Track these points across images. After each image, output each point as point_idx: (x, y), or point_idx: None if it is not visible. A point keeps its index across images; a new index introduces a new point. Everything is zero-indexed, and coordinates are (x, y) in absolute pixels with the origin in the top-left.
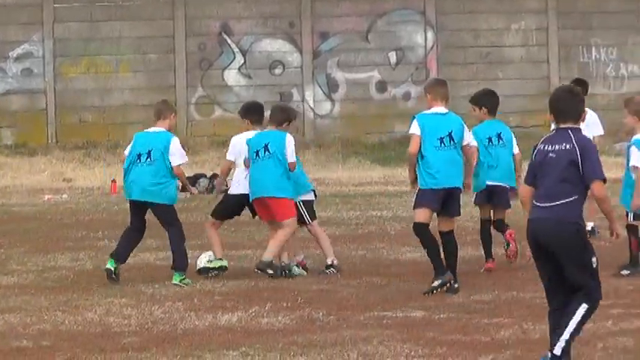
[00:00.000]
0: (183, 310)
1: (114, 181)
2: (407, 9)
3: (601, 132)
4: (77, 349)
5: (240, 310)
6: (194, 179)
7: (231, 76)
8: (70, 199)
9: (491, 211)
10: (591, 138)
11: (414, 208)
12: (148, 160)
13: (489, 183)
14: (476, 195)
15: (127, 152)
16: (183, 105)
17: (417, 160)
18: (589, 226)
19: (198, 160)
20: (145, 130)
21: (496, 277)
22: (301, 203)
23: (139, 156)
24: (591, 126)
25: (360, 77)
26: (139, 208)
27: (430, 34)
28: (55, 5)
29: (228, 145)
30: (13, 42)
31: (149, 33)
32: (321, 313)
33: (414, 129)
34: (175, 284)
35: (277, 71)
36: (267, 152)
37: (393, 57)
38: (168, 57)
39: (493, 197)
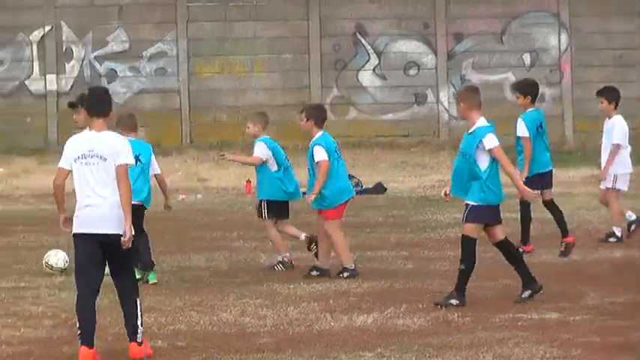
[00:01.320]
0: (319, 311)
1: (248, 181)
2: (540, 11)
3: None
4: (212, 349)
5: (375, 311)
6: None
7: (366, 77)
8: (205, 199)
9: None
10: None
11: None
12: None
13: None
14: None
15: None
16: None
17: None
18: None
19: None
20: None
21: (630, 279)
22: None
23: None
24: None
25: (495, 79)
26: None
27: (564, 36)
28: (188, 4)
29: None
30: (146, 41)
31: (284, 33)
32: (456, 315)
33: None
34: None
35: (412, 72)
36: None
37: (527, 59)
38: (303, 57)
39: (542, 181)
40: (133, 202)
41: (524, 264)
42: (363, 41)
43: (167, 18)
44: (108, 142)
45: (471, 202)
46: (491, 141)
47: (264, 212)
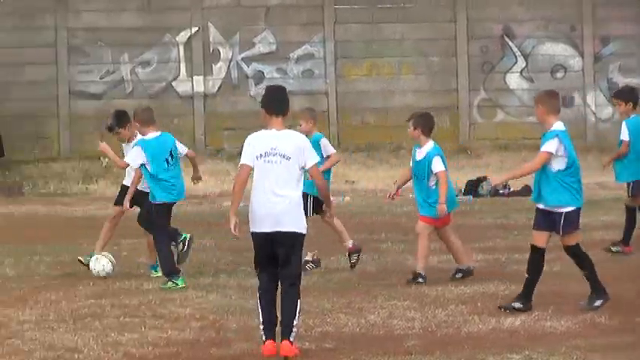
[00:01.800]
0: (467, 314)
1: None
2: None
3: None
4: (360, 351)
5: (522, 313)
6: (476, 182)
7: (513, 80)
8: (353, 200)
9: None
10: None
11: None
12: (174, 160)
13: None
14: (633, 185)
15: (141, 159)
16: (465, 108)
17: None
18: None
19: (480, 163)
20: (149, 138)
21: None
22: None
23: (167, 160)
24: None
25: None
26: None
27: None
28: (335, 6)
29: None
30: (293, 43)
31: (431, 35)
32: (603, 317)
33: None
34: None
35: (559, 75)
36: None
37: None
38: (450, 60)
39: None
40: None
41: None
42: (510, 43)
43: (314, 19)
44: (291, 141)
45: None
46: (548, 145)
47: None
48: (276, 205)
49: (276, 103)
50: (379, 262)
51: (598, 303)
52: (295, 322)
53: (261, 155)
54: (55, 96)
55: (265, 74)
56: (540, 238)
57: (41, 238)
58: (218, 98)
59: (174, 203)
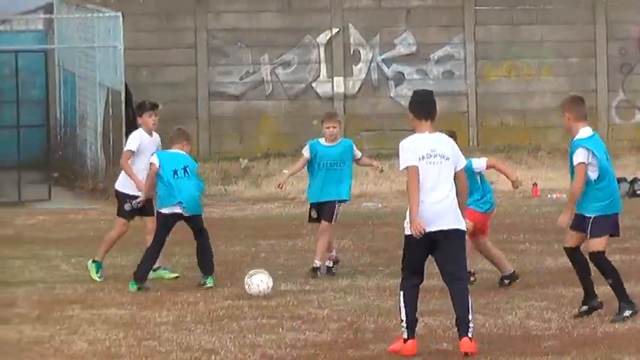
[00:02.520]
0: (603, 314)
1: (535, 184)
2: None
3: None
4: (497, 352)
5: None
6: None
7: None
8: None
9: None
10: None
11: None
12: (187, 175)
13: None
14: None
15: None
16: (604, 109)
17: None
18: None
19: (619, 164)
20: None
21: None
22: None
23: (176, 172)
24: None
25: None
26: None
27: None
28: (476, 8)
29: None
30: (433, 44)
31: (570, 37)
32: None
33: None
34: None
35: None
36: None
37: None
38: (589, 61)
39: None
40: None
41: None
42: None
43: (454, 21)
44: (447, 143)
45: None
46: (578, 156)
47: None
48: (440, 204)
49: (425, 107)
50: (517, 262)
51: (627, 313)
52: (471, 318)
53: (422, 157)
54: (195, 97)
55: (405, 75)
56: (571, 240)
57: (178, 240)
58: (358, 99)
59: (176, 216)
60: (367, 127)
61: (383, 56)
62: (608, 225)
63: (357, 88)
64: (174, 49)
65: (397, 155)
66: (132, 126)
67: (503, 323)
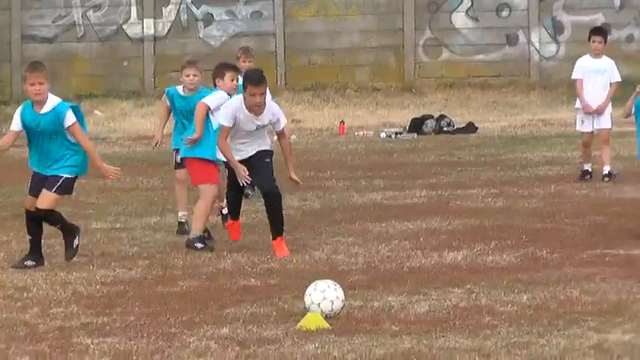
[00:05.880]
0: (410, 249)
1: (342, 122)
2: None
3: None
4: (304, 287)
5: (465, 248)
6: (421, 120)
7: (459, 19)
8: (299, 139)
9: None
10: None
11: None
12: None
13: None
14: None
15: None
16: (410, 47)
17: None
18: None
19: (426, 101)
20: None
21: None
22: None
23: None
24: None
25: (585, 20)
26: None
27: None
28: None
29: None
30: None
31: None
32: (544, 251)
33: None
34: None
35: (504, 14)
36: None
37: (617, 0)
38: (397, 0)
39: None
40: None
41: None
42: None
43: None
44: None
45: None
46: None
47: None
48: None
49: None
50: (324, 199)
51: None
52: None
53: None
54: (8, 40)
55: (215, 16)
56: None
57: None
58: (168, 40)
59: None
60: (176, 68)
61: None
62: None
63: (166, 30)
64: None
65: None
66: None
67: (311, 259)
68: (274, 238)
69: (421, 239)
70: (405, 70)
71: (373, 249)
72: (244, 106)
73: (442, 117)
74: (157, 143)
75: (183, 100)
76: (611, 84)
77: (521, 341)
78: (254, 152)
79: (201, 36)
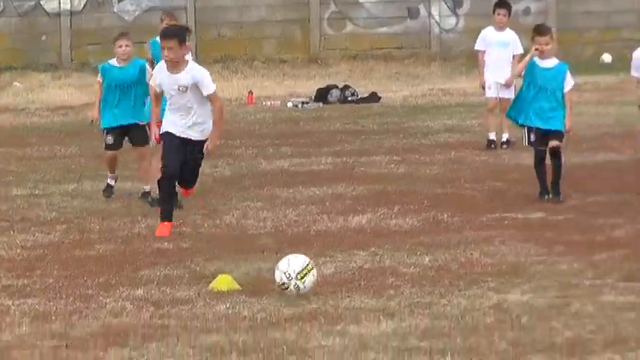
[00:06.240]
0: (316, 213)
1: (250, 92)
2: None
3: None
4: (215, 250)
5: (369, 212)
6: (326, 90)
7: None
8: None
9: None
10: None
11: None
12: None
13: None
14: None
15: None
16: (316, 20)
17: None
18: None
19: (331, 72)
20: None
21: (609, 181)
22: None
23: None
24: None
25: None
26: None
27: None
28: None
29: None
30: None
31: None
32: (445, 215)
33: None
34: None
35: None
36: None
37: None
38: None
39: None
40: None
41: None
42: None
43: None
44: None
45: None
46: None
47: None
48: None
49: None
50: (234, 166)
51: None
52: None
53: None
54: None
55: None
56: None
57: None
58: (84, 15)
59: None
60: (92, 41)
61: None
62: None
63: (82, 5)
64: None
65: None
66: None
67: (221, 223)
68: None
69: (327, 204)
70: (310, 42)
71: (281, 213)
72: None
73: (346, 87)
74: (93, 120)
75: (118, 70)
76: (514, 56)
77: (424, 301)
78: (193, 138)
79: (115, 10)
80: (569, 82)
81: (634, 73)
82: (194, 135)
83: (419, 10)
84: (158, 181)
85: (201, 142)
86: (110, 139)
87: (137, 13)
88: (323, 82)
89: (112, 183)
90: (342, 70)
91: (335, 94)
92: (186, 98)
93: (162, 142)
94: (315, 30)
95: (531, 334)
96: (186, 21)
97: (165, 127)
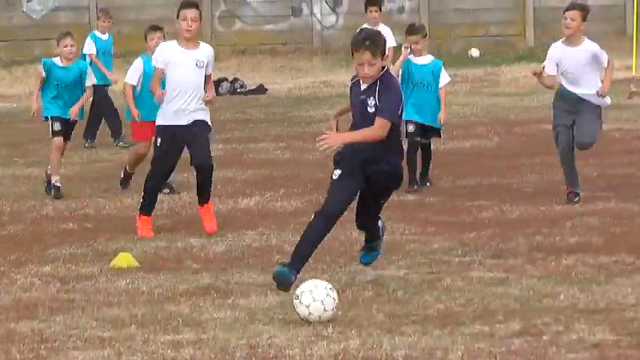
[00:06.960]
0: (225, 197)
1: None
2: None
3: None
4: (116, 230)
5: (257, 195)
6: (217, 83)
7: None
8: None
9: None
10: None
11: None
12: None
13: None
14: None
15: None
16: (208, 19)
17: None
18: None
19: (222, 66)
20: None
21: (477, 166)
22: None
23: None
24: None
25: None
26: None
27: None
28: None
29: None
30: None
31: None
32: None
33: None
34: None
35: None
36: None
37: None
38: None
39: None
40: None
41: None
42: None
43: None
44: None
45: None
46: None
47: None
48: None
49: None
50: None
51: None
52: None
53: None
54: None
55: None
56: None
57: None
58: None
59: None
60: (3, 38)
61: None
62: None
63: None
64: None
65: (28, 62)
66: None
67: (122, 205)
68: (202, 205)
69: (219, 187)
70: (203, 38)
71: (176, 196)
72: (179, 42)
73: (236, 80)
74: (34, 113)
75: (62, 70)
76: (388, 48)
77: (308, 277)
78: (194, 119)
79: (24, 10)
80: (445, 78)
81: (550, 71)
82: (199, 116)
83: (302, 8)
84: (145, 181)
85: (204, 120)
86: (57, 126)
87: (44, 12)
88: (214, 75)
89: (58, 184)
90: (232, 65)
91: (225, 86)
92: (200, 75)
93: (157, 146)
94: (206, 27)
95: (406, 307)
96: (89, 19)
97: (168, 121)
